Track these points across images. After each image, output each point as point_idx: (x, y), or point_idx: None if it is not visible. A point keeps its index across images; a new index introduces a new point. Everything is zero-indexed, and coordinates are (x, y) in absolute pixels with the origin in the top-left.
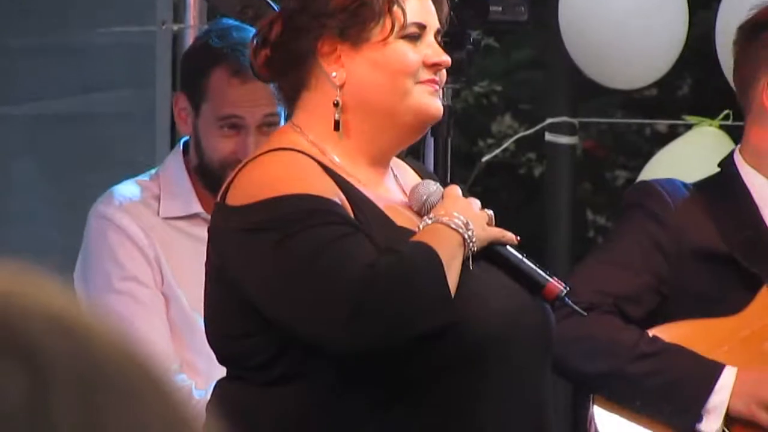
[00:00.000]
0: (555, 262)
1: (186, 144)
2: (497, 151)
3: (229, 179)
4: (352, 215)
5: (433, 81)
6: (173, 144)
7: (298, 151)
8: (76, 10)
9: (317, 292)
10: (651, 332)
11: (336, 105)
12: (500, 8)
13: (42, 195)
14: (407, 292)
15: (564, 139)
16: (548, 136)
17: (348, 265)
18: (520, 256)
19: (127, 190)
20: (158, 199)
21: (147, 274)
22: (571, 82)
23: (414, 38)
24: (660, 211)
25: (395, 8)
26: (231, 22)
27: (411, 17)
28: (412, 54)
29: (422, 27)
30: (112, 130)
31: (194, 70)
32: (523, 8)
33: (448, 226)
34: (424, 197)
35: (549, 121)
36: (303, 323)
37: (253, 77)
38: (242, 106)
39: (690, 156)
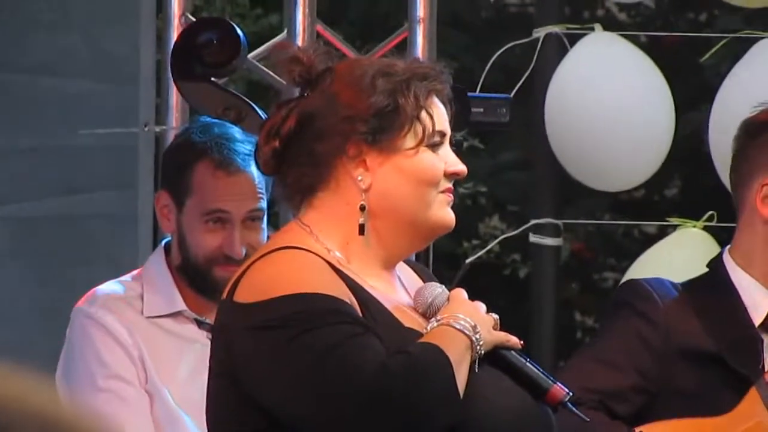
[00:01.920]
0: (540, 362)
1: (168, 244)
2: (482, 252)
3: (236, 276)
4: (361, 315)
5: (450, 190)
6: (155, 245)
7: (307, 251)
8: (58, 111)
9: (328, 390)
10: (638, 430)
11: (362, 209)
12: (482, 110)
13: (25, 296)
14: (418, 392)
15: (548, 241)
16: (532, 238)
17: (359, 365)
18: (524, 360)
19: (110, 289)
20: (141, 298)
21: (131, 372)
22: (557, 183)
23: (437, 146)
24: (648, 310)
25: (423, 115)
26: (211, 119)
27: (437, 124)
28: (438, 164)
29: (443, 135)
30: (94, 231)
31: (177, 166)
32: (504, 110)
33: (456, 328)
34: (430, 299)
35: (533, 222)
36: (313, 420)
37: (238, 170)
38: (228, 200)
39: (674, 257)
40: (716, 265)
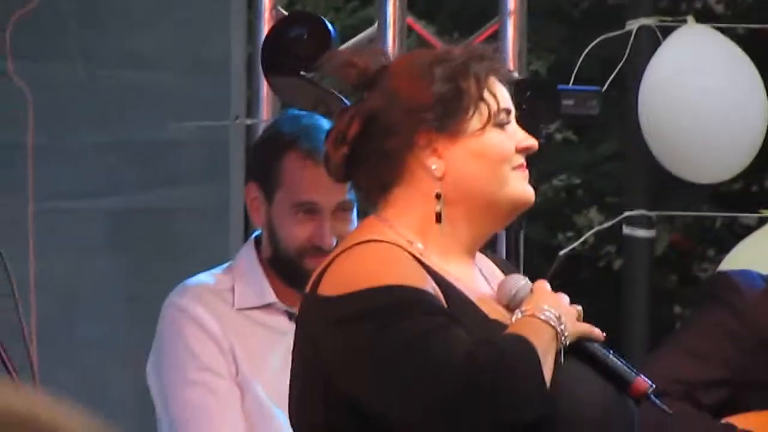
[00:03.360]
0: (635, 354)
1: (258, 237)
2: (576, 244)
3: (319, 270)
4: (446, 306)
5: (523, 166)
6: (247, 238)
7: (390, 243)
8: (150, 104)
9: (417, 381)
10: (726, 420)
11: (438, 197)
12: (572, 102)
13: (118, 289)
14: (506, 384)
15: (641, 232)
16: (626, 230)
17: (447, 356)
18: (607, 352)
19: (201, 281)
20: (232, 290)
21: (222, 364)
22: (651, 175)
23: (504, 124)
24: (735, 302)
25: (486, 95)
26: (299, 112)
27: (500, 102)
28: (507, 141)
29: (509, 112)
30: (187, 225)
31: (266, 158)
32: (594, 102)
33: (542, 319)
34: (513, 291)
35: (626, 214)
36: (402, 412)
37: None
38: (317, 192)
39: (767, 249)
40: None
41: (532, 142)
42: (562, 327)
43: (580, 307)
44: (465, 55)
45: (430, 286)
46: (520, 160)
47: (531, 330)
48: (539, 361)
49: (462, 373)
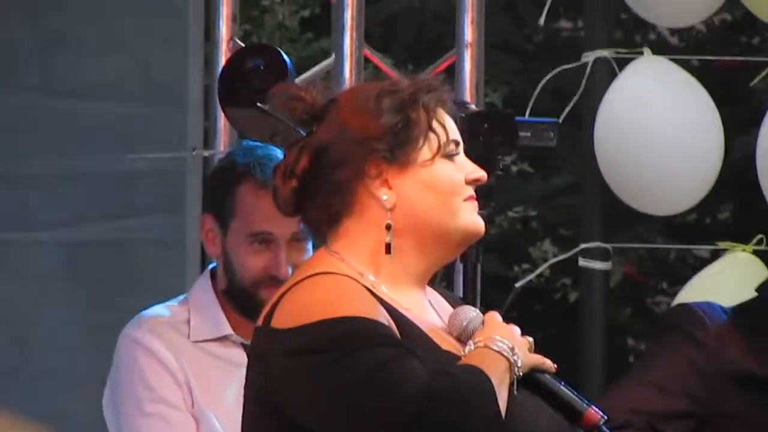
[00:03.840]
0: (591, 386)
1: (213, 269)
2: (531, 276)
3: (271, 303)
4: (399, 337)
5: (473, 197)
6: (203, 270)
7: (342, 275)
8: (106, 135)
9: (373, 413)
10: None
11: (388, 228)
12: (529, 134)
13: (75, 320)
14: (462, 414)
15: (597, 265)
16: (582, 262)
17: (402, 387)
18: (558, 383)
19: (157, 313)
20: (188, 322)
21: (177, 396)
22: (607, 207)
23: (453, 156)
24: (698, 334)
25: (435, 125)
26: (254, 142)
27: (450, 133)
28: (457, 172)
29: (457, 144)
30: (143, 256)
31: (220, 188)
32: (552, 134)
33: (494, 350)
34: (465, 323)
35: (582, 246)
36: None
37: None
38: (272, 222)
39: (724, 281)
40: (765, 289)
41: (481, 174)
42: (515, 358)
43: (531, 339)
44: (413, 87)
45: (384, 318)
46: (470, 191)
47: (485, 361)
48: (494, 391)
49: (418, 405)
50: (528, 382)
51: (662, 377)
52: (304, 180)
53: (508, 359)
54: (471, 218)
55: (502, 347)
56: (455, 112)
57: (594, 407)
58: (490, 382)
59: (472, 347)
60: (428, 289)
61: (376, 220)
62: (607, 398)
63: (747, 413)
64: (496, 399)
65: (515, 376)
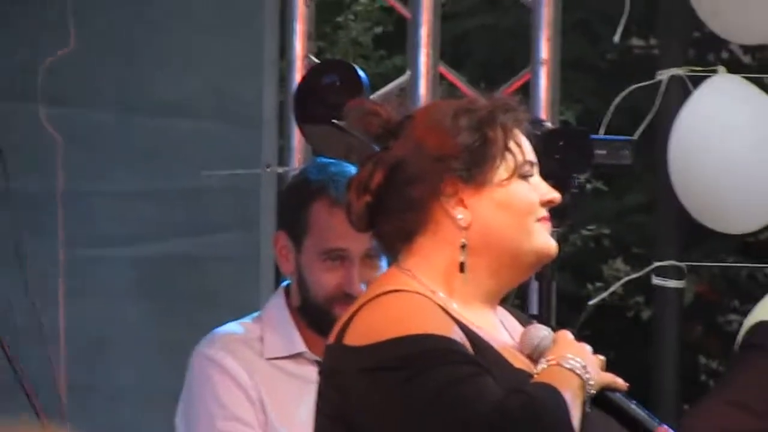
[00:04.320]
0: (664, 405)
1: (287, 286)
2: (605, 294)
3: (343, 321)
4: (473, 355)
5: (547, 218)
6: (277, 286)
7: (415, 292)
8: (182, 152)
9: (449, 429)
10: None
11: (463, 247)
12: (605, 152)
13: (149, 336)
14: (538, 431)
15: (671, 283)
16: (655, 280)
17: (477, 405)
18: (630, 402)
19: (230, 330)
20: (261, 339)
21: (250, 414)
22: (681, 225)
23: (528, 176)
24: None
25: (512, 145)
26: (327, 159)
27: (525, 154)
28: (532, 193)
29: (533, 164)
30: (217, 273)
31: (294, 206)
32: (627, 152)
33: (567, 368)
34: (536, 341)
35: (656, 264)
36: None
37: None
38: (346, 239)
39: None
40: None
41: (555, 195)
42: (588, 376)
43: (603, 357)
44: (490, 106)
45: (458, 335)
46: (544, 212)
47: (558, 379)
48: (568, 409)
49: (492, 423)
50: (600, 400)
51: (747, 396)
52: (378, 195)
53: (580, 377)
54: (544, 239)
55: (574, 365)
56: (530, 132)
57: (665, 426)
58: (564, 399)
59: (545, 365)
60: (498, 308)
61: (450, 238)
62: (692, 417)
63: None
64: (570, 417)
65: (588, 395)
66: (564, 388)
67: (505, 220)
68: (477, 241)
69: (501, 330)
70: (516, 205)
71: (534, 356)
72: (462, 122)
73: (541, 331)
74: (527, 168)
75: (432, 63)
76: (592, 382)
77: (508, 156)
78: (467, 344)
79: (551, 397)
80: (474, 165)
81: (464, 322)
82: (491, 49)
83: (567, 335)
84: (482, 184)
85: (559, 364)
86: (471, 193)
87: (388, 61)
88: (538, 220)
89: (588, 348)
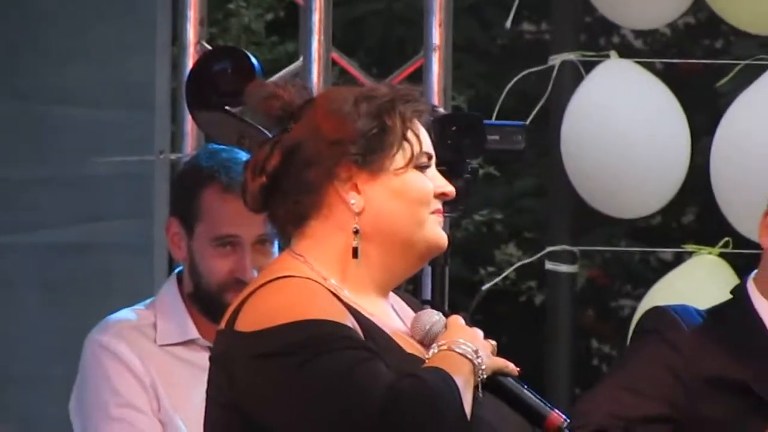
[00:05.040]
0: (557, 389)
1: (180, 273)
2: (497, 279)
3: (234, 306)
4: (365, 341)
5: (440, 211)
6: (171, 273)
7: (306, 278)
8: (75, 139)
9: (341, 415)
10: None
11: (356, 232)
12: (498, 137)
13: (45, 324)
14: (429, 415)
15: (564, 268)
16: (548, 265)
17: (369, 390)
18: (521, 387)
19: (123, 317)
20: (154, 326)
21: (143, 400)
22: (573, 210)
23: (424, 167)
24: (675, 338)
25: (410, 135)
26: (218, 146)
27: (423, 145)
28: (427, 183)
29: (430, 157)
30: (111, 260)
31: (186, 192)
32: (520, 137)
33: (458, 353)
34: (428, 326)
35: (549, 249)
36: None
37: None
38: (238, 225)
39: (690, 284)
40: (740, 292)
41: (450, 189)
42: (479, 361)
43: (494, 342)
44: (391, 95)
45: (349, 321)
46: (438, 204)
47: (449, 363)
48: (459, 393)
49: (383, 406)
50: (492, 385)
51: (640, 381)
52: (274, 177)
53: (471, 362)
54: (436, 232)
55: (465, 350)
56: (430, 125)
57: (557, 411)
58: (455, 383)
59: (436, 350)
60: (390, 294)
61: (343, 223)
62: (585, 402)
63: (724, 417)
64: (461, 400)
65: (479, 380)
66: (455, 373)
67: (398, 208)
68: (369, 227)
69: (393, 316)
70: (409, 194)
71: (426, 341)
72: (362, 108)
73: (432, 316)
74: (424, 159)
75: (324, 49)
76: (483, 367)
77: (405, 145)
78: (359, 330)
79: (442, 380)
80: (370, 151)
81: (356, 308)
82: (383, 35)
83: (459, 320)
84: (378, 171)
85: (450, 349)
86: (366, 179)
87: (280, 47)
88: (432, 212)
89: (480, 333)
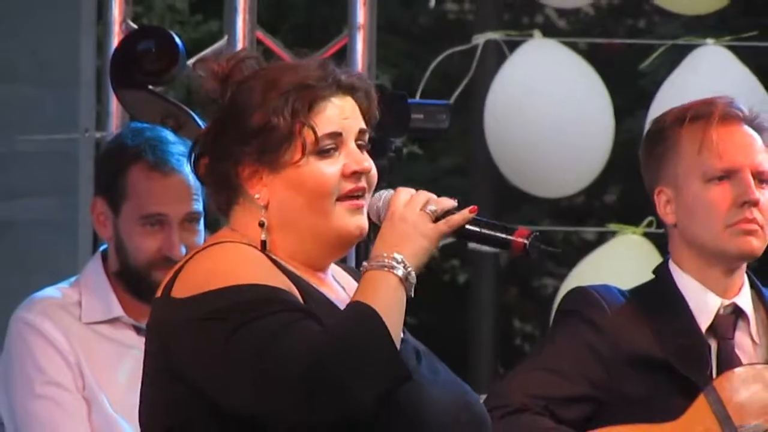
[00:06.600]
0: (479, 366)
1: (105, 251)
2: None
3: (171, 274)
4: (302, 303)
5: (354, 190)
6: (96, 252)
7: (242, 243)
8: None
9: (275, 374)
10: None
11: (261, 225)
12: (421, 116)
13: None
14: (355, 361)
15: (488, 247)
16: (471, 244)
17: (296, 352)
18: (484, 222)
19: (48, 295)
20: (79, 304)
21: (68, 378)
22: (496, 189)
23: (330, 151)
24: (596, 318)
25: (305, 129)
26: (142, 124)
27: (324, 128)
28: (328, 170)
29: (338, 135)
30: (34, 237)
31: (111, 171)
32: (444, 116)
33: (383, 269)
34: (380, 202)
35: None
36: (263, 404)
37: (173, 171)
38: (165, 203)
39: (613, 263)
40: (662, 271)
41: (363, 166)
42: (407, 269)
43: (455, 201)
44: (291, 84)
45: (284, 284)
46: (351, 184)
47: (372, 287)
48: (383, 325)
49: (306, 367)
50: (461, 236)
51: (562, 362)
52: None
53: (396, 275)
54: (344, 221)
55: (389, 263)
56: (369, 87)
57: (517, 231)
58: (378, 317)
59: (364, 268)
60: (332, 265)
61: (255, 214)
62: (506, 383)
63: (646, 395)
64: (386, 332)
65: (411, 283)
66: (378, 297)
67: (298, 201)
68: (276, 220)
69: (334, 284)
70: (306, 186)
71: (382, 219)
72: (269, 98)
73: (382, 193)
74: (326, 143)
75: (249, 28)
76: (412, 271)
77: (299, 137)
78: (296, 292)
79: (363, 316)
80: (263, 150)
81: (296, 272)
82: (308, 14)
83: (401, 194)
84: (275, 165)
85: (370, 267)
86: (268, 173)
87: (204, 26)
88: (341, 196)
89: (423, 196)
